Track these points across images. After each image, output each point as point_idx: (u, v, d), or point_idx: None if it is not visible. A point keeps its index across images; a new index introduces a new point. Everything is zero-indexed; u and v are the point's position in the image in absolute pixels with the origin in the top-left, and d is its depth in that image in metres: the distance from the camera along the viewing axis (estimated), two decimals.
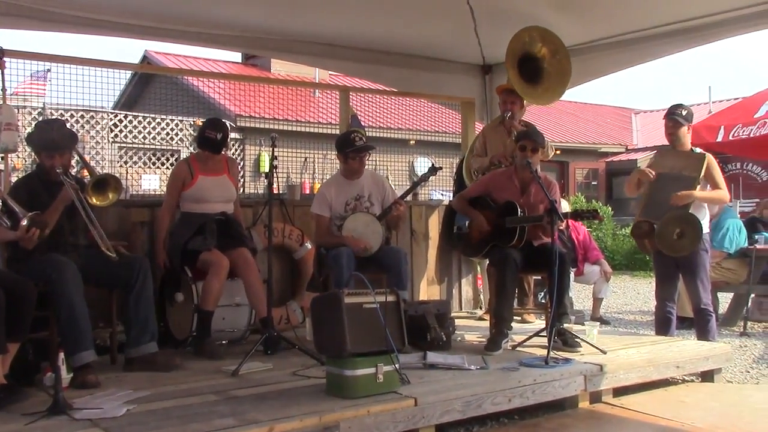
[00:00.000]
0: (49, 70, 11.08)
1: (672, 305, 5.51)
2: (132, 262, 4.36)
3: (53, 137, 4.25)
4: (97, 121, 12.82)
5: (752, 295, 7.89)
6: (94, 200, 4.20)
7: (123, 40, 6.75)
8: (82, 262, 4.20)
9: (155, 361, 4.31)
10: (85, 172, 4.81)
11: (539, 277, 6.49)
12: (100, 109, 12.64)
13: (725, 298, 8.29)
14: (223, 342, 5.10)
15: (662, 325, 5.53)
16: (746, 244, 7.81)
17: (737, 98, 15.28)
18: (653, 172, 5.35)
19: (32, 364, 4.04)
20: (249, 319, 5.15)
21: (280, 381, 4.00)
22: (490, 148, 6.07)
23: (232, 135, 13.41)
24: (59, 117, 11.43)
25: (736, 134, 8.80)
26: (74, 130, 11.26)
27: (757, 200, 10.97)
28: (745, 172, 16.54)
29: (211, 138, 5.02)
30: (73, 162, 5.41)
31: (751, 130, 8.66)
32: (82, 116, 12.59)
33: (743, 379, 5.25)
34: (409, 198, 5.83)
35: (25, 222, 3.76)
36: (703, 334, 5.38)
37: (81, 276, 4.08)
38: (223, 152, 5.23)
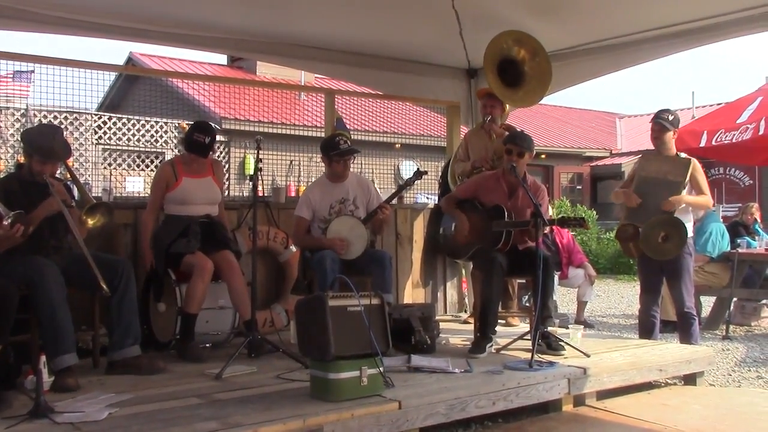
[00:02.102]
0: (32, 71, 11.01)
1: (656, 309, 5.54)
2: (115, 265, 4.32)
3: (53, 146, 4.20)
4: (80, 122, 12.73)
5: (734, 299, 7.96)
6: (89, 222, 4.19)
7: (108, 41, 6.73)
8: (64, 264, 4.17)
9: (138, 365, 4.28)
10: (68, 175, 4.78)
11: (523, 281, 6.51)
12: (84, 111, 12.54)
13: (708, 302, 8.35)
14: (207, 345, 5.08)
15: (646, 328, 5.56)
16: (729, 249, 7.87)
17: (720, 103, 15.43)
18: (638, 202, 5.30)
19: (13, 367, 3.99)
20: (233, 322, 5.13)
21: (264, 384, 3.98)
22: (472, 152, 6.10)
23: (218, 137, 13.39)
24: (56, 123, 11.39)
25: (718, 139, 8.85)
26: None
27: (740, 205, 11.05)
28: (727, 177, 16.69)
29: (200, 141, 5.00)
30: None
31: (734, 135, 8.72)
32: (66, 118, 12.50)
33: (725, 382, 5.30)
34: (394, 201, 5.83)
35: (8, 220, 3.73)
36: (686, 338, 5.41)
37: (63, 278, 4.05)
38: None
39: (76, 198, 4.42)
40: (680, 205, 5.26)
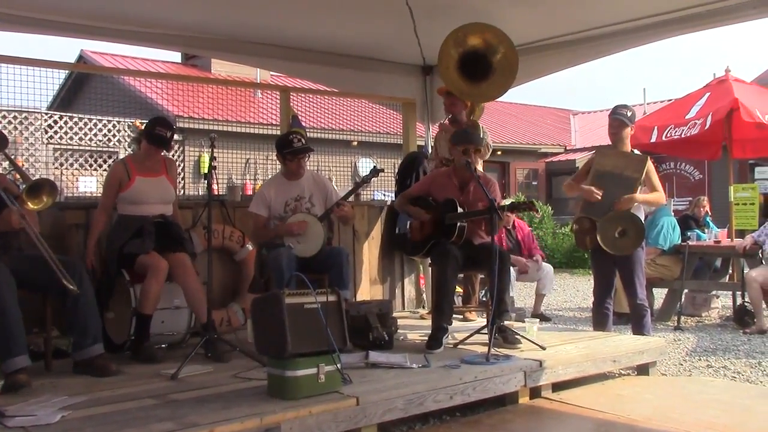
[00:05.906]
0: None
1: (609, 301, 5.63)
2: (67, 266, 4.23)
3: None
4: (30, 122, 12.47)
5: (685, 291, 8.14)
6: (30, 205, 4.09)
7: (58, 39, 6.59)
8: (13, 265, 4.08)
9: (98, 365, 4.21)
10: (17, 176, 4.68)
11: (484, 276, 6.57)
12: (34, 110, 12.29)
13: (660, 294, 8.51)
14: (163, 345, 5.01)
15: (600, 320, 5.65)
16: (680, 241, 8.04)
17: (671, 100, 15.74)
18: (600, 195, 5.32)
19: None
20: (189, 321, 5.08)
21: (221, 384, 3.95)
22: (439, 151, 6.25)
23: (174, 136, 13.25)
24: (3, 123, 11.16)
25: (668, 134, 9.04)
26: (6, 131, 10.97)
27: (690, 198, 11.30)
28: (678, 171, 17.04)
29: (162, 135, 4.94)
30: (6, 164, 5.27)
31: (683, 130, 8.91)
32: (15, 117, 12.23)
33: (677, 372, 5.41)
34: (351, 198, 5.83)
35: None
36: (639, 329, 5.51)
37: (14, 279, 3.96)
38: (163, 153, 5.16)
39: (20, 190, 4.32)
40: (633, 204, 5.34)
